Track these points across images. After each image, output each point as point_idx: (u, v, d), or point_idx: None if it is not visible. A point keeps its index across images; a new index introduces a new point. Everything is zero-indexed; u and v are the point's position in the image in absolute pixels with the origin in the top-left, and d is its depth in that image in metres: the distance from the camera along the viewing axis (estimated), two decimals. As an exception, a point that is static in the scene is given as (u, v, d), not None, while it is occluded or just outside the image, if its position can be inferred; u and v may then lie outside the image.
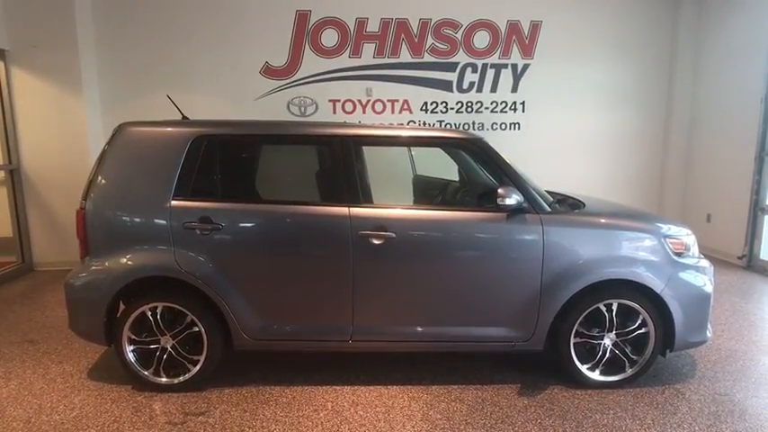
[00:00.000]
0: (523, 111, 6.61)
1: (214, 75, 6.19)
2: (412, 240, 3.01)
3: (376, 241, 2.97)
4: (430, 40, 6.36)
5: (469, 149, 3.23)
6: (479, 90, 6.53)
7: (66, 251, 5.86)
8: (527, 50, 6.51)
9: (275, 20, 6.16)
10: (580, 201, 3.51)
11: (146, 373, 3.10)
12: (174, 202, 3.00)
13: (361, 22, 6.23)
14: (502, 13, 6.39)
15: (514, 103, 6.60)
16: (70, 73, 5.66)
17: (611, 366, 3.16)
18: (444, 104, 6.51)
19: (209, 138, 3.08)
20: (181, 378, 3.11)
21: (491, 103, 6.57)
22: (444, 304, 3.08)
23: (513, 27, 6.43)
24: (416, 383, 3.22)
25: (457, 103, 6.53)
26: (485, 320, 3.09)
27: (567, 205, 3.39)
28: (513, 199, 2.89)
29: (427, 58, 6.40)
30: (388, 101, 6.43)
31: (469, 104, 6.54)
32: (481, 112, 6.57)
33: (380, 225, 2.98)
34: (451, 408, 2.94)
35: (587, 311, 3.06)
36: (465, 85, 6.51)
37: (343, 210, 3.01)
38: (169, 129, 3.14)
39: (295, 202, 3.06)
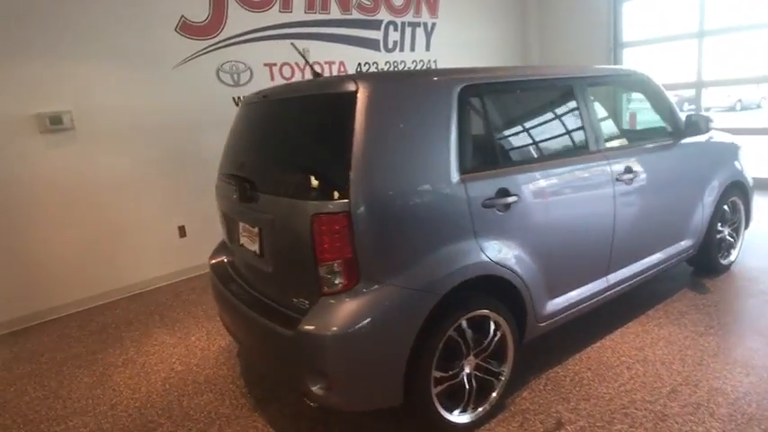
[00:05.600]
0: (436, 69, 6.79)
1: (107, 33, 4.17)
2: (647, 177, 3.01)
3: (627, 186, 2.88)
4: (355, -5, 5.81)
5: (640, 84, 3.36)
6: (401, 49, 6.37)
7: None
8: (432, 9, 6.65)
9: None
10: None
11: (453, 415, 2.26)
12: (463, 176, 2.19)
13: (287, -30, 5.19)
14: (409, -31, 6.31)
15: (429, 61, 6.71)
16: None
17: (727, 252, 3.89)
18: (375, 65, 6.11)
19: (476, 88, 2.32)
20: (485, 406, 2.39)
21: (412, 63, 6.51)
22: (660, 230, 3.24)
23: (420, -15, 6.46)
24: (638, 318, 3.28)
25: (385, 63, 6.22)
26: (680, 236, 3.39)
27: None
28: (712, 123, 3.26)
29: (355, 14, 5.83)
30: (326, 63, 5.63)
31: (395, 64, 6.32)
32: (406, 71, 6.45)
33: (629, 167, 2.88)
34: (686, 334, 3.16)
35: (721, 209, 3.67)
36: (390, 45, 6.24)
37: (602, 156, 2.78)
38: (422, 80, 2.25)
39: (577, 157, 2.71)
